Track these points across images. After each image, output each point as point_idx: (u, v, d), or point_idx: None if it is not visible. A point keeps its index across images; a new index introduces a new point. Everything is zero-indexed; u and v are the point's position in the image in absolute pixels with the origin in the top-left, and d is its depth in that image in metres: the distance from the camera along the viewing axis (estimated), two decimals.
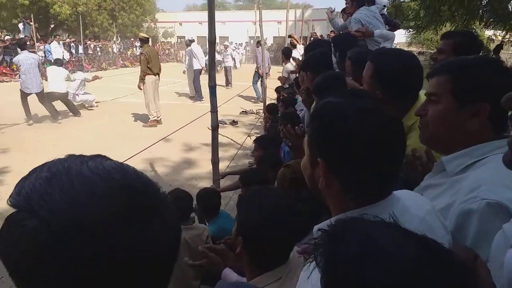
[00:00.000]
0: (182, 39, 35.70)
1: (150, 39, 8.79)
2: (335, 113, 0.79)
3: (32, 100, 7.64)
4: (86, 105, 9.42)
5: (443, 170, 1.07)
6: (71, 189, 0.45)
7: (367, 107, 0.78)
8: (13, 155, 5.81)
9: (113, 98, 10.57)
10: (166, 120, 7.98)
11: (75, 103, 8.73)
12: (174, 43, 34.88)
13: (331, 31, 9.21)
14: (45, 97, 7.76)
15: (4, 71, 15.64)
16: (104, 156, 0.53)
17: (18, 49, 8.79)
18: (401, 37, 33.73)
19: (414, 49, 36.64)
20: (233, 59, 16.67)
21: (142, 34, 8.48)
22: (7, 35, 19.30)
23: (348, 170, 0.78)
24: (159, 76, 7.92)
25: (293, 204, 1.26)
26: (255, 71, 11.38)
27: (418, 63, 1.57)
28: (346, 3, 4.02)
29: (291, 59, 7.55)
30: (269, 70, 12.34)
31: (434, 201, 1.01)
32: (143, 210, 0.48)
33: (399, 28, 5.94)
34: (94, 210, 0.44)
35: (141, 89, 7.78)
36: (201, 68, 10.96)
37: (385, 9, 5.59)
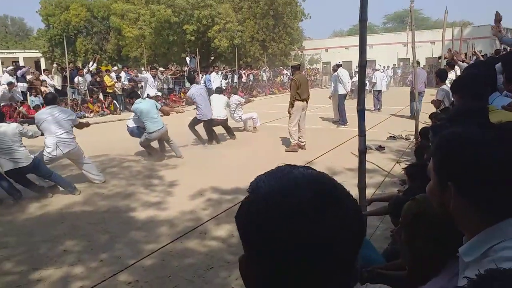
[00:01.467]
0: (326, 65, 36.31)
1: (301, 66, 9.19)
2: (464, 142, 0.91)
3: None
4: (252, 125, 10.42)
5: None
6: (281, 179, 0.63)
7: (493, 136, 0.89)
8: (181, 170, 6.70)
9: (262, 123, 11.26)
10: (310, 144, 8.11)
11: (240, 123, 10.11)
12: (319, 69, 35.61)
13: (501, 49, 8.08)
14: (209, 122, 8.72)
15: (173, 98, 18.28)
16: (311, 167, 0.68)
17: (188, 83, 10.27)
18: None
19: None
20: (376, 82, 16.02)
21: (294, 62, 8.86)
22: (177, 67, 22.61)
23: (478, 191, 0.87)
24: (307, 102, 8.05)
25: None
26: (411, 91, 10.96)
27: None
28: None
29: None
30: (424, 88, 11.89)
31: None
32: (332, 199, 0.60)
33: None
34: (294, 194, 0.59)
35: (290, 114, 8.03)
36: (346, 92, 10.92)
37: None
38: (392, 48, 31.55)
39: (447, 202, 0.92)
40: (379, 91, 14.10)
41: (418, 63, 12.93)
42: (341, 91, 10.86)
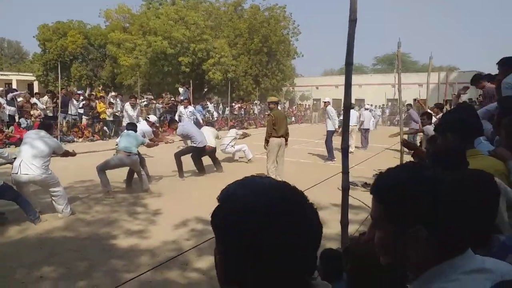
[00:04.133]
0: (316, 102, 37.03)
1: (279, 103, 9.24)
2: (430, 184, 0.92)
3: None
4: (245, 158, 10.74)
5: None
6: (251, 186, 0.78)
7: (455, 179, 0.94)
8: (165, 199, 6.66)
9: (252, 155, 11.30)
10: (295, 178, 8.07)
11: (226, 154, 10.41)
12: (309, 105, 36.31)
13: (479, 95, 8.44)
14: (200, 151, 8.70)
15: (165, 129, 18.33)
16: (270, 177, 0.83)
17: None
18: None
19: None
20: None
21: (272, 98, 8.61)
22: (171, 97, 22.81)
23: (441, 228, 0.89)
24: (286, 139, 7.93)
25: None
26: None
27: None
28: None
29: None
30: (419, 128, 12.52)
31: None
32: (292, 202, 0.74)
33: None
34: (261, 198, 0.73)
35: (266, 150, 7.94)
36: (334, 129, 11.11)
37: None
38: (381, 88, 32.38)
39: (405, 248, 0.93)
40: (367, 130, 14.36)
41: (411, 105, 13.47)
42: (330, 127, 11.05)
